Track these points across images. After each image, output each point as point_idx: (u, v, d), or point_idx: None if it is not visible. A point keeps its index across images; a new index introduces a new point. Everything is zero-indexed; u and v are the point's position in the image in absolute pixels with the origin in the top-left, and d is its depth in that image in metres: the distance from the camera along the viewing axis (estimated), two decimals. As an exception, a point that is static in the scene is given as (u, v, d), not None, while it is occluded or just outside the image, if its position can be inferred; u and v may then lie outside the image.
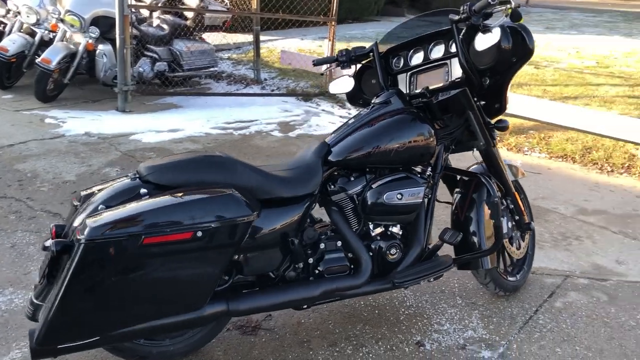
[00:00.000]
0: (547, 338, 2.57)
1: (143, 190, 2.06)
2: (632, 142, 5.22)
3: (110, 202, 2.05)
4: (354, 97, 2.93)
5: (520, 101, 5.74)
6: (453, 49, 2.54)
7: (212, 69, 7.39)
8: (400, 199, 2.40)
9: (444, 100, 2.54)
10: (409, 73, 2.70)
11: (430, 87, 2.58)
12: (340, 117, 6.31)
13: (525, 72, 8.03)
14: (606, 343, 2.56)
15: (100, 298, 1.89)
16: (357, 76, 2.84)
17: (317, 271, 2.35)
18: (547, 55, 9.59)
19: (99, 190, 2.20)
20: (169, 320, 2.03)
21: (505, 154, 5.33)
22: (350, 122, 2.52)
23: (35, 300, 2.08)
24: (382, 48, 2.78)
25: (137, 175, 2.15)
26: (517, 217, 2.82)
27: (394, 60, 2.76)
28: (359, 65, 2.86)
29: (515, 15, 2.25)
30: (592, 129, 5.39)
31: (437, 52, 2.61)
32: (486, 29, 2.34)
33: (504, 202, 2.77)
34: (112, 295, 1.90)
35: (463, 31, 2.43)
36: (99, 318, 1.92)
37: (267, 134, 5.53)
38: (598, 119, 5.36)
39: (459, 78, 2.51)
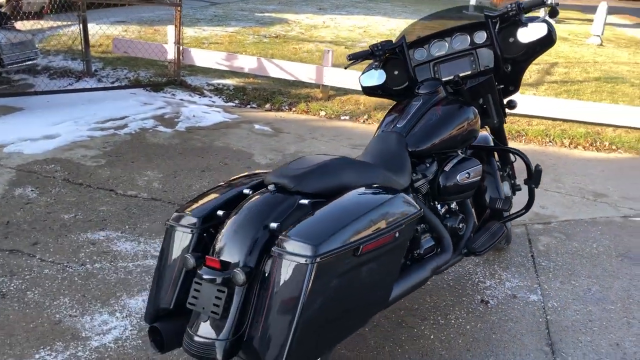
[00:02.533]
0: (559, 277, 3.15)
1: (305, 201, 2.00)
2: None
3: (276, 219, 1.94)
4: (373, 88, 3.06)
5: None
6: (477, 40, 2.88)
7: (32, 62, 6.46)
8: (468, 177, 2.69)
9: (472, 86, 2.87)
10: (432, 63, 2.95)
11: (461, 75, 2.88)
12: (207, 105, 6.15)
13: (341, 53, 8.72)
14: (595, 270, 3.24)
15: (328, 315, 1.83)
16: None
17: (415, 254, 2.52)
18: (345, 35, 10.47)
19: (218, 209, 2.05)
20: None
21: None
22: (410, 110, 2.68)
23: (203, 339, 1.87)
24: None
25: (275, 187, 2.05)
26: (512, 181, 3.32)
27: (415, 52, 2.98)
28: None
29: (555, 12, 2.69)
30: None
31: (461, 43, 2.92)
32: (523, 24, 2.72)
33: (506, 169, 3.24)
34: (335, 309, 1.85)
35: (498, 25, 2.79)
36: (324, 336, 1.85)
37: (155, 131, 5.16)
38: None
39: (488, 66, 2.87)
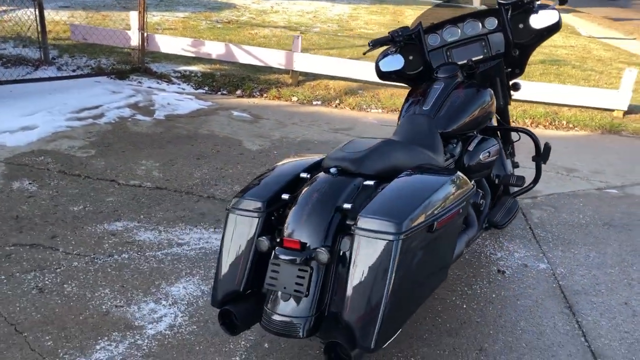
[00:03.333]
0: (559, 245, 3.41)
1: (370, 182, 2.09)
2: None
3: (346, 199, 2.03)
4: (389, 73, 3.17)
5: (336, 63, 6.49)
6: (488, 26, 3.05)
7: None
8: (489, 156, 2.87)
9: (484, 70, 3.05)
10: (445, 48, 3.10)
11: (474, 59, 3.04)
12: (177, 92, 6.07)
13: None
14: (588, 238, 3.52)
15: (408, 289, 1.94)
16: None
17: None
18: (296, 20, 10.50)
19: (281, 192, 2.11)
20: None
21: (350, 113, 6.01)
22: (434, 94, 2.81)
23: (284, 317, 1.94)
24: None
25: (337, 171, 2.14)
26: (512, 159, 3.53)
27: (429, 38, 3.10)
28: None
29: (565, 0, 2.89)
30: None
31: (472, 29, 3.07)
32: (534, 11, 2.91)
33: (508, 147, 3.45)
34: (413, 283, 1.97)
35: (510, 12, 2.96)
36: (404, 309, 1.96)
37: (135, 120, 5.06)
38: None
39: (499, 51, 3.04)
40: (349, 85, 6.65)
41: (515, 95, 3.12)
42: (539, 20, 2.93)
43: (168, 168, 4.02)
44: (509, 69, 3.18)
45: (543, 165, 3.31)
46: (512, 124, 5.71)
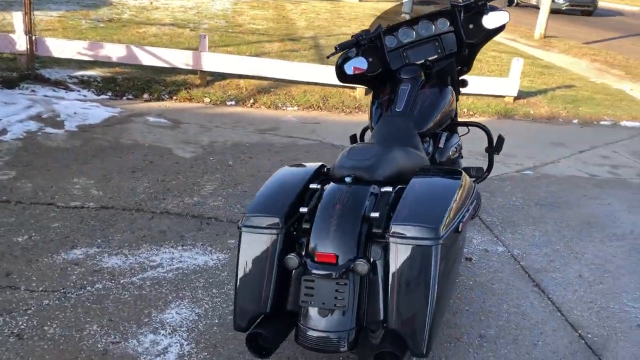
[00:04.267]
0: (507, 228, 3.67)
1: (389, 188, 2.13)
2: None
3: (369, 208, 2.05)
4: (350, 76, 3.19)
5: (246, 62, 6.43)
6: (441, 27, 3.18)
7: None
8: (456, 151, 3.03)
9: (439, 69, 3.19)
10: (401, 49, 3.19)
11: (429, 59, 3.17)
12: (79, 100, 5.64)
13: (190, 36, 8.50)
14: (527, 219, 3.83)
15: (445, 292, 2.00)
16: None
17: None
18: (181, 17, 10.13)
19: (296, 206, 2.08)
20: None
21: (268, 112, 5.97)
22: (403, 95, 2.89)
23: (325, 332, 1.93)
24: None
25: (351, 179, 2.15)
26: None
27: (386, 40, 3.17)
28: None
29: (512, 1, 3.09)
30: (322, 80, 6.53)
31: (426, 30, 3.19)
32: (486, 13, 3.08)
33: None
34: (447, 285, 2.03)
35: (462, 13, 3.11)
36: (444, 307, 2.03)
37: (45, 134, 4.62)
38: (312, 71, 6.50)
39: (452, 50, 3.19)
40: (260, 84, 6.58)
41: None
42: (490, 20, 3.11)
43: (105, 184, 3.74)
44: (459, 67, 3.34)
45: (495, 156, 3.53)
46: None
